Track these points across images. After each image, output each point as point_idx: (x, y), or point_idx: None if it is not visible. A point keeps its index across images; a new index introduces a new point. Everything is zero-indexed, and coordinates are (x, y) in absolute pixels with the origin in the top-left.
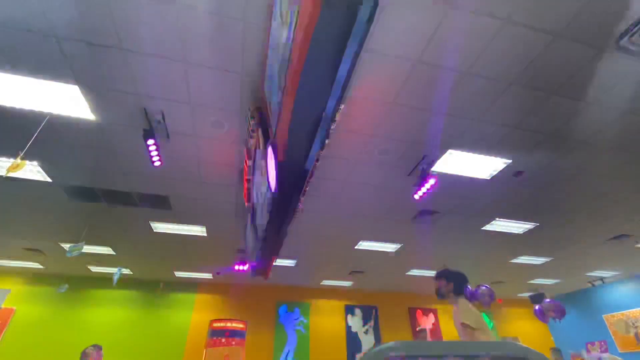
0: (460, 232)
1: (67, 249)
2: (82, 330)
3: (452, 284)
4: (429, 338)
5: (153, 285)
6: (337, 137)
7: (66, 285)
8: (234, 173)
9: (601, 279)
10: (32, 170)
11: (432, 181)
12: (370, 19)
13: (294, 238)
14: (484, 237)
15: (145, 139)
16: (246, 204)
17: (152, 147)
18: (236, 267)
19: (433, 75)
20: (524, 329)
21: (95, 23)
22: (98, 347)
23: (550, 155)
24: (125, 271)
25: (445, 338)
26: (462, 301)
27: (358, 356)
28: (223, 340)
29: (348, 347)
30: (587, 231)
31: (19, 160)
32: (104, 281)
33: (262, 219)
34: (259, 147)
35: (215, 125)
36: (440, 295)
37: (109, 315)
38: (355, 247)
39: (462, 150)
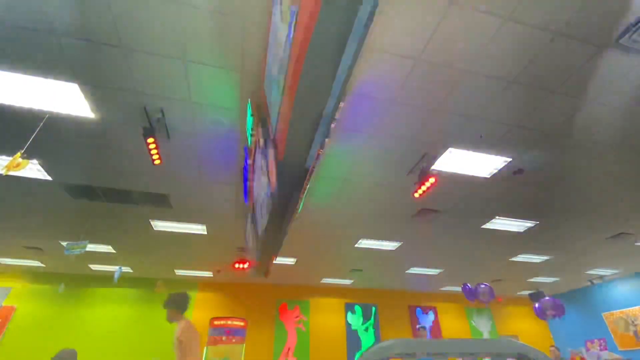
0: (460, 230)
1: (65, 246)
2: (82, 328)
3: (175, 308)
4: (428, 336)
5: (154, 283)
6: (337, 136)
7: (62, 286)
8: (233, 171)
9: (601, 277)
10: (32, 169)
11: (432, 179)
12: (370, 17)
13: (294, 236)
14: (483, 236)
15: (145, 137)
16: (246, 202)
17: (152, 146)
18: (236, 266)
19: (433, 74)
20: (523, 327)
21: (95, 21)
22: (73, 353)
23: (550, 153)
24: (126, 269)
25: (445, 336)
26: (183, 321)
27: (358, 354)
28: (223, 338)
29: (348, 345)
30: (587, 229)
31: (19, 160)
32: (105, 279)
33: (262, 217)
34: (259, 146)
35: (214, 123)
36: (171, 320)
37: (109, 313)
38: (355, 246)
39: (462, 149)
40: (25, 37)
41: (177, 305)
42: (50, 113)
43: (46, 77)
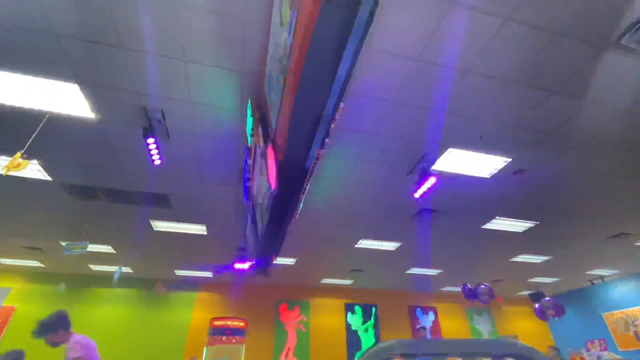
0: (460, 230)
1: (64, 246)
2: (82, 329)
3: (61, 328)
4: (429, 336)
5: (154, 283)
6: (337, 136)
7: (63, 285)
8: (234, 172)
9: (601, 277)
10: (32, 169)
11: (432, 180)
12: (370, 17)
13: (295, 237)
14: (483, 236)
15: (145, 137)
16: (246, 202)
17: (152, 146)
18: (236, 266)
19: (433, 74)
20: (523, 327)
21: (96, 21)
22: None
23: (550, 153)
24: (126, 270)
25: (445, 336)
26: (73, 337)
27: (358, 355)
28: (223, 338)
29: (348, 346)
30: (587, 230)
31: (20, 160)
32: (105, 280)
33: (262, 218)
34: (259, 146)
35: (215, 123)
36: (59, 344)
37: (109, 314)
38: (355, 246)
39: (462, 149)
40: (26, 38)
41: (63, 326)
42: (51, 113)
43: (46, 78)
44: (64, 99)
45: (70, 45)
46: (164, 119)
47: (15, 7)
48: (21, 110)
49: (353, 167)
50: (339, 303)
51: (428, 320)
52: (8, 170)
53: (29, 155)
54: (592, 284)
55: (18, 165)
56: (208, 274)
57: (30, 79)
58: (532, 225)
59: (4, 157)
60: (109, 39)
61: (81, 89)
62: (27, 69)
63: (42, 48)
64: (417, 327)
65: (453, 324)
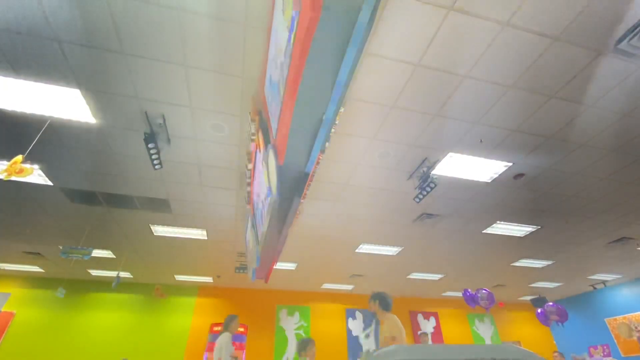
0: (461, 235)
1: (61, 249)
2: (82, 334)
3: (378, 302)
4: (430, 342)
5: (153, 289)
6: (337, 141)
7: (64, 291)
8: (234, 176)
9: (603, 282)
10: (33, 174)
11: (432, 184)
12: (370, 22)
13: (295, 241)
14: (484, 240)
15: (146, 142)
16: (246, 206)
17: (153, 151)
18: (235, 271)
19: (433, 79)
20: (526, 332)
21: (97, 27)
22: None
23: (550, 158)
24: (126, 275)
25: (446, 342)
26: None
27: None
28: None
29: (349, 351)
30: (589, 234)
31: (22, 166)
32: (104, 285)
33: (263, 222)
34: (260, 150)
35: (215, 128)
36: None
37: (109, 319)
38: (356, 251)
39: (463, 153)
40: (28, 43)
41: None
42: (52, 118)
43: (48, 83)
44: (65, 104)
45: (71, 50)
46: (165, 123)
47: (17, 13)
48: (23, 116)
49: (353, 171)
50: (339, 308)
51: (429, 325)
52: (9, 174)
53: (30, 160)
54: (594, 288)
55: (21, 171)
56: (208, 279)
57: (32, 84)
58: (533, 230)
59: (5, 163)
60: (110, 44)
61: (82, 94)
62: (29, 75)
63: (43, 54)
64: (419, 332)
65: (455, 330)
